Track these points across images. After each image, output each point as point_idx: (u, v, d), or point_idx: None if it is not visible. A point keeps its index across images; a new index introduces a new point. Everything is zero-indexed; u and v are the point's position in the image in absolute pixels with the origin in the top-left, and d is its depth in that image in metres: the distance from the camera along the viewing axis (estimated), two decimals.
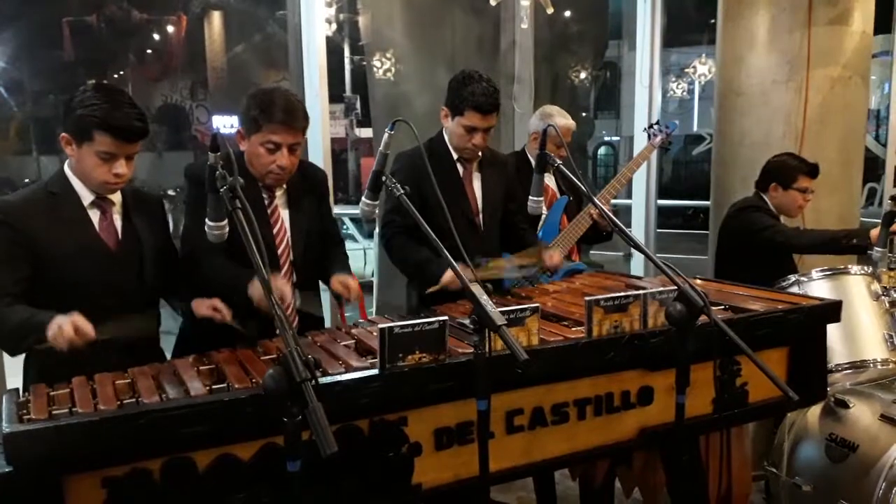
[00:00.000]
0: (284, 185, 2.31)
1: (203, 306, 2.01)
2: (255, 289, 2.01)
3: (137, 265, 2.08)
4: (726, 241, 3.33)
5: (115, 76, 15.69)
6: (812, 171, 3.19)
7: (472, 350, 1.65)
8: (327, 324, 2.69)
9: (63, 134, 1.96)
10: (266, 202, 2.28)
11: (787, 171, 3.19)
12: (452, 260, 1.69)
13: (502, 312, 1.64)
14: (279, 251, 2.30)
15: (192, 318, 2.10)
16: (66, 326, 1.73)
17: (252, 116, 2.17)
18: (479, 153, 2.70)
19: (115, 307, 1.96)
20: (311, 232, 2.36)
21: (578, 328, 2.02)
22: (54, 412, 1.55)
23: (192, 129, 16.48)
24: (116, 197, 2.08)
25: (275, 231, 2.29)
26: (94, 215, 2.04)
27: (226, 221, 1.74)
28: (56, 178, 2.05)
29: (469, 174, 2.71)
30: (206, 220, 1.74)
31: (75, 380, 1.71)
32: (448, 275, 2.36)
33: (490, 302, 1.57)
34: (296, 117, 2.17)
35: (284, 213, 2.32)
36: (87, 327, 1.75)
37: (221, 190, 1.57)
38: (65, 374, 1.75)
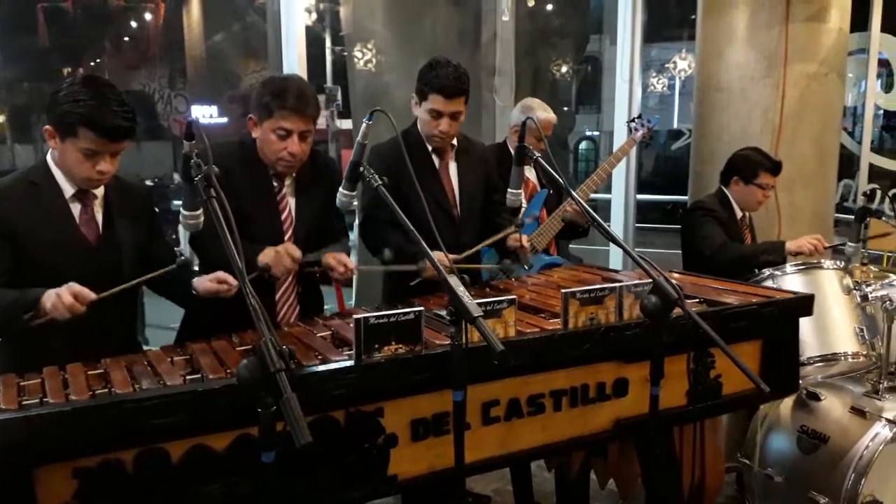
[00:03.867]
0: (294, 173, 2.33)
1: (206, 282, 2.00)
2: (265, 255, 2.09)
3: (118, 260, 2.06)
4: (683, 238, 3.37)
5: (91, 64, 15.42)
6: (775, 168, 3.22)
7: (448, 341, 1.65)
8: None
9: (47, 126, 1.93)
10: (275, 189, 2.31)
11: (750, 166, 3.22)
12: (429, 251, 1.69)
13: (479, 304, 1.64)
14: (285, 238, 2.32)
15: (194, 306, 2.10)
16: (65, 294, 1.75)
17: (264, 103, 2.19)
18: (453, 142, 2.68)
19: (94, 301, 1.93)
20: (314, 222, 2.38)
21: (555, 320, 2.03)
22: (24, 402, 1.53)
23: (171, 119, 16.27)
24: (99, 189, 2.05)
25: (282, 217, 2.32)
26: (76, 208, 2.02)
27: (200, 210, 1.73)
28: (38, 168, 2.01)
29: (445, 165, 2.70)
30: (181, 208, 1.73)
31: (46, 370, 1.70)
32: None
33: (467, 293, 1.57)
34: (307, 105, 2.20)
35: (291, 201, 2.35)
36: (84, 291, 1.77)
37: (196, 179, 1.55)
38: (39, 363, 1.73)
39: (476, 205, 2.76)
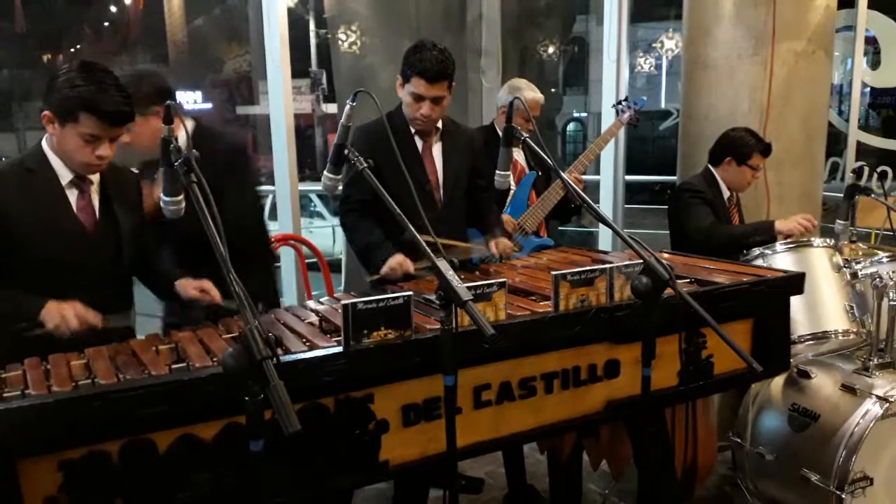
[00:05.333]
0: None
1: (190, 287, 2.01)
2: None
3: (114, 246, 2.04)
4: (670, 219, 3.36)
5: (71, 50, 15.19)
6: (766, 150, 3.22)
7: (438, 326, 1.63)
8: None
9: (45, 112, 1.91)
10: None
11: (743, 146, 3.21)
12: (415, 231, 1.67)
13: (469, 288, 1.62)
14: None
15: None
16: (70, 317, 1.77)
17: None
18: (438, 125, 2.65)
19: (89, 289, 1.91)
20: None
21: (546, 302, 2.01)
22: (6, 395, 1.50)
23: None
24: (95, 176, 2.03)
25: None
26: (72, 195, 1.99)
27: (182, 196, 1.69)
28: (33, 154, 1.99)
29: (428, 147, 2.67)
30: (162, 195, 1.70)
31: (28, 361, 1.66)
32: (389, 264, 2.37)
33: (457, 277, 1.55)
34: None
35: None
36: (91, 316, 1.80)
37: (176, 164, 1.52)
38: (35, 353, 1.71)
39: (460, 188, 2.72)
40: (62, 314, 1.77)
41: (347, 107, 1.86)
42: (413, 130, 2.63)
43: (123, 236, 2.06)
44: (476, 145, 2.83)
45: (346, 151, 1.86)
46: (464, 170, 2.74)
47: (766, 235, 3.02)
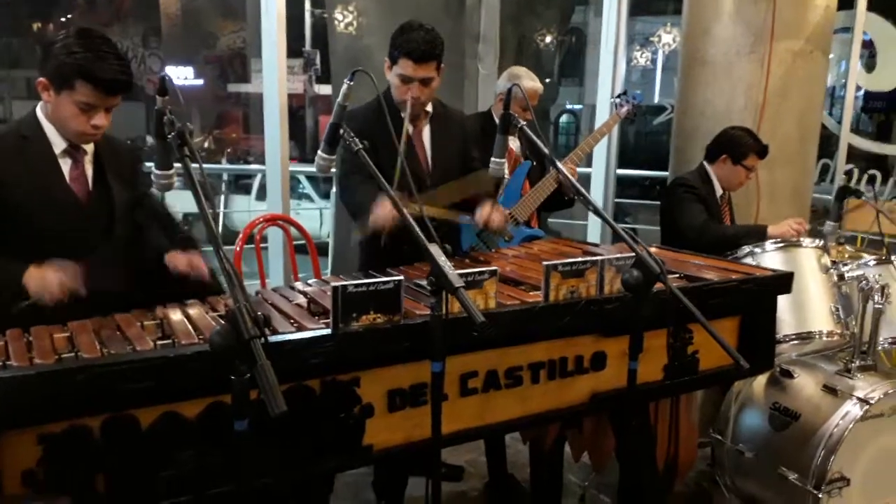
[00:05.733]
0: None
1: (180, 262, 1.97)
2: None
3: (107, 218, 2.01)
4: (663, 214, 3.36)
5: (62, 20, 14.95)
6: (763, 151, 3.23)
7: (428, 311, 1.62)
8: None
9: (41, 78, 1.87)
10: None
11: (741, 146, 3.21)
12: (403, 209, 1.65)
13: (460, 275, 1.61)
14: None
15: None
16: (52, 283, 1.72)
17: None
18: (427, 108, 2.62)
19: (81, 260, 1.88)
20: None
21: (535, 292, 2.01)
22: None
23: (144, 79, 15.89)
24: (89, 146, 2.00)
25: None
26: (65, 164, 1.96)
27: (173, 170, 1.67)
28: (27, 121, 1.95)
29: (418, 131, 2.64)
30: (154, 168, 1.67)
31: (9, 332, 1.64)
32: (375, 215, 2.30)
33: (448, 264, 1.54)
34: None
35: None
36: (73, 283, 1.74)
37: (169, 137, 1.49)
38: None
39: (451, 172, 2.69)
40: (45, 278, 1.73)
41: (345, 86, 1.84)
42: (402, 114, 2.60)
43: (116, 208, 2.03)
44: (467, 128, 2.80)
45: (340, 131, 1.84)
46: (455, 153, 2.70)
47: (757, 239, 3.03)
